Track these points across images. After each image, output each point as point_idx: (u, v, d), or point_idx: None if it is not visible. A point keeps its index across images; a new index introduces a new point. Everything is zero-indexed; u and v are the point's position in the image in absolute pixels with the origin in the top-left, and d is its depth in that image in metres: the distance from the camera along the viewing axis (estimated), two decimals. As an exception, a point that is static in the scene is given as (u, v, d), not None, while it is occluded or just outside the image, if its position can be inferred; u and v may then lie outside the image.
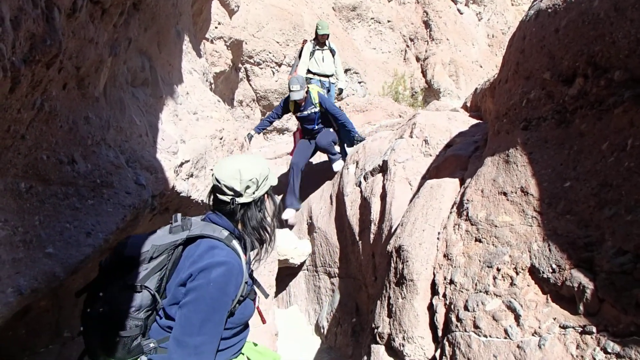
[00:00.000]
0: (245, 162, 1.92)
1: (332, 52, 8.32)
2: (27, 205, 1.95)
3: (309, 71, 8.20)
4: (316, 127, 6.87)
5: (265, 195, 2.00)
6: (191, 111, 3.59)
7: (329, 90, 8.23)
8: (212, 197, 1.99)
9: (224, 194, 1.89)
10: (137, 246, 1.85)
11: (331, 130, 6.92)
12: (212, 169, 3.59)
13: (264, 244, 2.02)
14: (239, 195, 1.89)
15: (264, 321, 2.15)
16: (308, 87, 6.77)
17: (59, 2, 1.65)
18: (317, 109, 6.78)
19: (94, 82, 2.31)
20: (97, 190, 2.38)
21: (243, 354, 2.05)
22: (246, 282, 1.88)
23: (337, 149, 6.94)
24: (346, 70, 10.77)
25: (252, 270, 2.10)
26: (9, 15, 1.32)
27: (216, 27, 8.66)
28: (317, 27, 8.14)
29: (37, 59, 1.52)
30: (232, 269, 1.78)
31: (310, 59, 8.19)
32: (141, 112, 2.95)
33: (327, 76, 8.31)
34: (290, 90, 6.53)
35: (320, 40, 8.12)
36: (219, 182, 1.88)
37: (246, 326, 2.04)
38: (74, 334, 3.15)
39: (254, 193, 1.92)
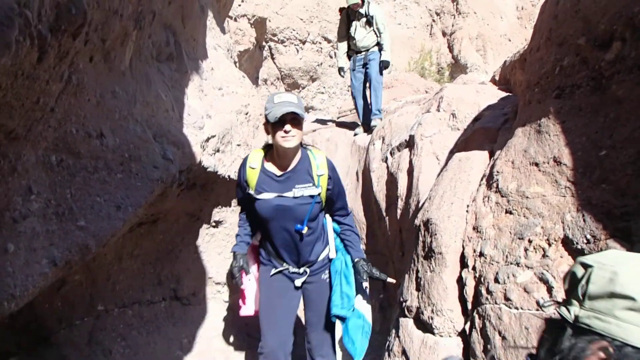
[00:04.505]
0: None
1: (369, 20, 6.69)
2: (59, 178, 1.98)
3: (349, 47, 6.99)
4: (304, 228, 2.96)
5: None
6: (216, 86, 3.58)
7: (365, 65, 6.87)
8: None
9: None
10: None
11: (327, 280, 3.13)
12: (238, 144, 3.60)
13: None
14: None
15: None
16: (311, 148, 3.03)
17: (83, -28, 1.64)
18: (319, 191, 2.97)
19: (119, 56, 2.31)
20: (125, 164, 2.40)
21: None
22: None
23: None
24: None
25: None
26: (34, -17, 1.32)
27: (239, 5, 8.62)
28: None
29: (63, 28, 1.51)
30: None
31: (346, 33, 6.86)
32: (167, 87, 2.96)
33: (359, 52, 6.89)
34: None
35: (353, 9, 6.66)
36: None
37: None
38: (107, 307, 3.23)
39: None
